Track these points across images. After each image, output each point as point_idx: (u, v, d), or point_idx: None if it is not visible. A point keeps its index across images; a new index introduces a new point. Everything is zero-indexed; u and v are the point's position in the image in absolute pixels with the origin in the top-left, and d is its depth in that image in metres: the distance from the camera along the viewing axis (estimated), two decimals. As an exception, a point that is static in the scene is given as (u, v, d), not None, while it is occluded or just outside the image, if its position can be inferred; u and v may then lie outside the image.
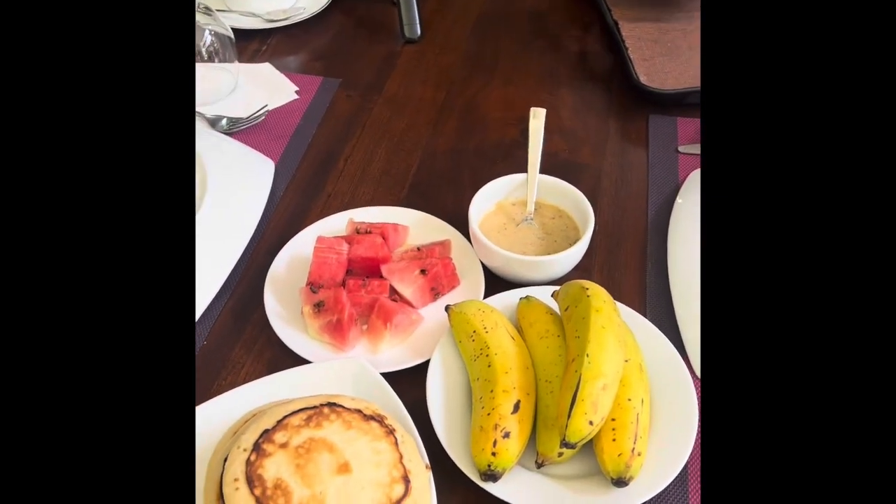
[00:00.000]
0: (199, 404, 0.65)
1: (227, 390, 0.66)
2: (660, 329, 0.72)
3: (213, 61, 1.02)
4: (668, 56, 1.05)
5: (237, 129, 0.99)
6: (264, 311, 0.75)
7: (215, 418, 0.64)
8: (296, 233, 0.83)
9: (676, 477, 0.63)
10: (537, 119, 0.86)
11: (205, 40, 1.00)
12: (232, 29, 1.05)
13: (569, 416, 0.59)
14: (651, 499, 0.62)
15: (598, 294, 0.66)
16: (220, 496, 0.57)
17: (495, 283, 0.79)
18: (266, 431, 0.58)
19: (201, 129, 0.95)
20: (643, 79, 1.02)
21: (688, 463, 0.65)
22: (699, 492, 0.64)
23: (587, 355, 0.61)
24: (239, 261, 0.81)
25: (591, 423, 0.59)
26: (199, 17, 0.99)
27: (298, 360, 0.72)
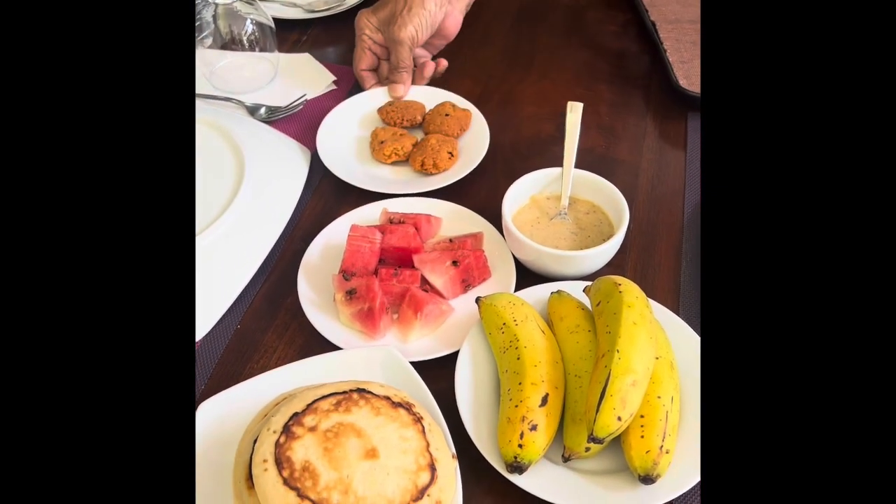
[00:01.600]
0: (230, 387, 0.66)
1: (258, 374, 0.67)
2: (693, 328, 0.71)
3: (254, 50, 1.03)
4: (709, 56, 1.04)
5: (275, 118, 1.00)
6: (297, 297, 0.76)
7: (246, 401, 0.65)
8: (330, 221, 0.84)
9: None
10: (574, 113, 0.85)
11: (246, 29, 1.01)
12: (273, 19, 1.06)
13: (597, 410, 0.58)
14: (677, 498, 0.62)
15: (630, 290, 0.65)
16: (250, 477, 0.58)
17: (527, 276, 0.79)
18: (296, 414, 0.59)
19: (240, 116, 0.97)
20: (682, 82, 1.01)
21: (717, 463, 0.65)
22: (727, 493, 0.64)
23: (617, 351, 0.60)
24: (274, 247, 0.82)
25: (619, 418, 0.58)
26: (241, 7, 1.00)
27: (329, 347, 0.73)
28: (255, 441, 0.59)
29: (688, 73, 1.02)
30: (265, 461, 0.57)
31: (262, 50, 1.04)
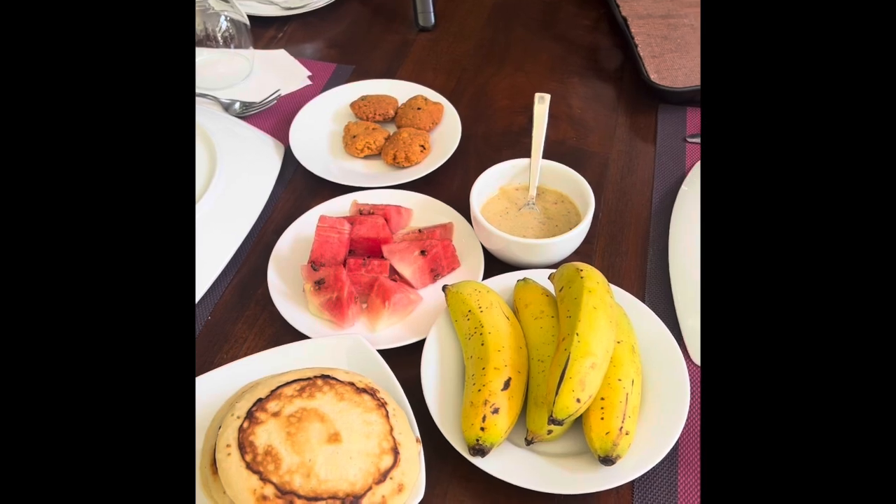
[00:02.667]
0: (200, 375, 0.67)
1: (229, 362, 0.68)
2: (658, 315, 0.72)
3: (229, 47, 1.04)
4: (678, 52, 1.05)
5: (250, 113, 1.01)
6: (267, 289, 0.77)
7: (214, 389, 0.66)
8: (302, 214, 0.85)
9: (665, 457, 0.63)
10: (542, 104, 0.86)
11: (220, 26, 1.02)
12: (250, 16, 1.07)
13: (556, 392, 0.59)
14: (639, 478, 0.63)
15: (591, 276, 0.66)
16: (214, 462, 0.59)
17: (496, 266, 0.80)
18: (259, 400, 0.60)
19: (214, 112, 0.97)
20: (653, 76, 1.01)
21: (677, 444, 0.66)
22: (688, 473, 0.65)
23: (577, 334, 0.61)
24: (245, 239, 0.83)
25: (578, 400, 0.59)
26: (215, 4, 1.01)
27: (299, 336, 0.73)
28: (220, 427, 0.60)
29: (658, 68, 1.03)
30: (228, 446, 0.57)
31: (237, 47, 1.05)
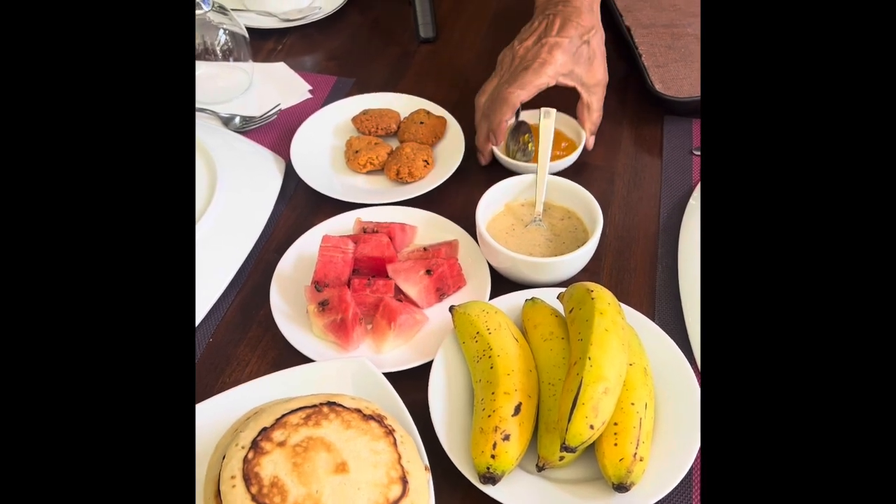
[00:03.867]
0: (202, 401, 0.65)
1: (231, 387, 0.66)
2: (669, 334, 0.71)
3: (228, 60, 1.02)
4: (683, 62, 1.04)
5: (250, 128, 0.99)
6: (270, 310, 0.76)
7: (217, 416, 0.64)
8: (304, 232, 0.83)
9: (680, 483, 0.62)
10: (548, 118, 0.85)
11: (219, 39, 1.01)
12: (249, 28, 1.05)
13: (569, 419, 0.58)
14: (653, 505, 0.62)
15: (602, 296, 0.65)
16: (218, 493, 0.57)
17: (502, 284, 0.78)
18: (264, 429, 0.58)
19: (214, 127, 0.96)
20: (658, 86, 1.00)
21: (692, 469, 0.64)
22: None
23: (589, 358, 0.60)
24: (247, 258, 0.82)
25: (591, 426, 0.58)
26: (213, 16, 0.99)
27: (303, 359, 0.72)
28: (223, 457, 0.59)
29: (663, 78, 1.02)
30: (233, 477, 0.56)
31: (236, 60, 1.03)
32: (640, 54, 1.06)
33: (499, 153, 0.90)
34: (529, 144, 0.90)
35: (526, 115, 0.93)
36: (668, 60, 1.04)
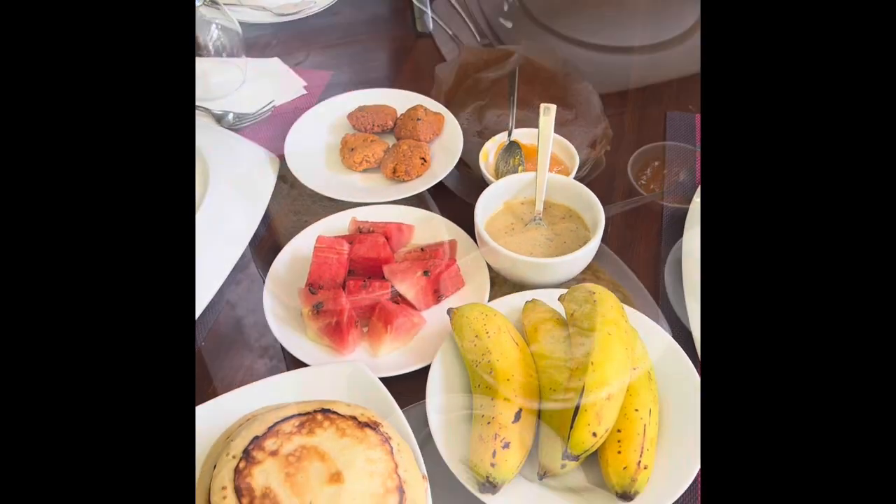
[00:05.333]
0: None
1: (223, 393, 0.64)
2: (673, 335, 0.69)
3: (221, 56, 1.00)
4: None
5: (243, 125, 0.97)
6: (264, 313, 0.74)
7: (208, 423, 0.63)
8: (299, 232, 0.81)
9: (686, 491, 0.60)
10: (548, 115, 0.83)
11: (211, 34, 0.99)
12: (242, 23, 1.03)
13: (571, 427, 0.56)
14: (657, 514, 0.60)
15: (605, 299, 0.63)
16: (209, 502, 0.55)
17: (502, 284, 0.77)
18: (256, 438, 0.57)
19: (206, 124, 0.94)
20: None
21: (697, 477, 0.62)
22: (709, 507, 0.61)
23: (591, 363, 0.58)
24: (240, 259, 0.80)
25: (594, 434, 0.56)
26: (205, 11, 0.97)
27: (297, 363, 0.70)
28: (214, 466, 0.57)
29: (665, 72, 1.00)
30: (224, 488, 0.54)
31: (228, 55, 1.01)
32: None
33: (488, 175, 0.86)
34: (520, 168, 0.87)
35: (519, 134, 0.90)
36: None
